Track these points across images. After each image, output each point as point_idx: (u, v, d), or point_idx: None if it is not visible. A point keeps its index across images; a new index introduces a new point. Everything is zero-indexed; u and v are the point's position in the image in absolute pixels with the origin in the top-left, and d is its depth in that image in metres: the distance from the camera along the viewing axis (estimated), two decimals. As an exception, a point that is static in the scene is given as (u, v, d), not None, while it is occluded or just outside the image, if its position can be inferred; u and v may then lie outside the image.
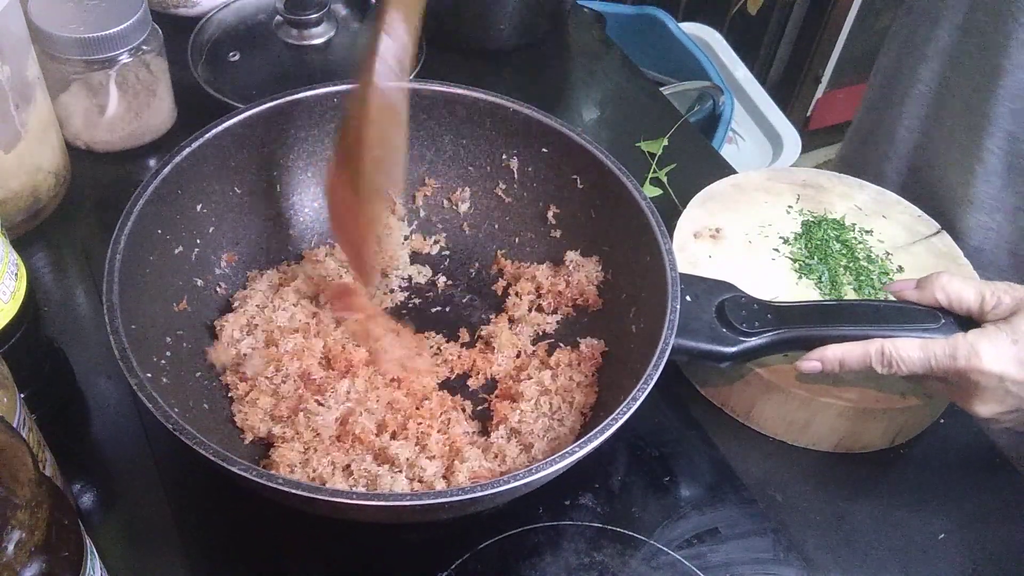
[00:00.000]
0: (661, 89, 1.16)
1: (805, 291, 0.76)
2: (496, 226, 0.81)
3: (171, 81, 0.89)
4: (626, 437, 0.71)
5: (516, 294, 0.77)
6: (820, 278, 0.77)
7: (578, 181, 0.75)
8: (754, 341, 0.67)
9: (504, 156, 0.79)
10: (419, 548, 0.64)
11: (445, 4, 1.02)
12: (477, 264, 0.81)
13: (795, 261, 0.79)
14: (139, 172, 0.88)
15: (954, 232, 0.84)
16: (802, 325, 0.68)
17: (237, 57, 0.94)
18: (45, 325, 0.69)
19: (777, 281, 0.77)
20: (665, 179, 0.92)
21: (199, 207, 0.72)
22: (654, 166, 0.93)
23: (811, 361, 0.66)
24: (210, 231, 0.73)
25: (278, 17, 0.95)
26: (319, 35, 0.95)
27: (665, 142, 0.96)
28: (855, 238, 0.81)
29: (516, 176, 0.79)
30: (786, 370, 0.71)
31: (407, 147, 0.69)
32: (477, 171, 0.80)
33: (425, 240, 0.81)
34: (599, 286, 0.76)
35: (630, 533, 0.66)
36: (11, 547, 0.40)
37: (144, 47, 0.84)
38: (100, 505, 0.66)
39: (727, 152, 1.63)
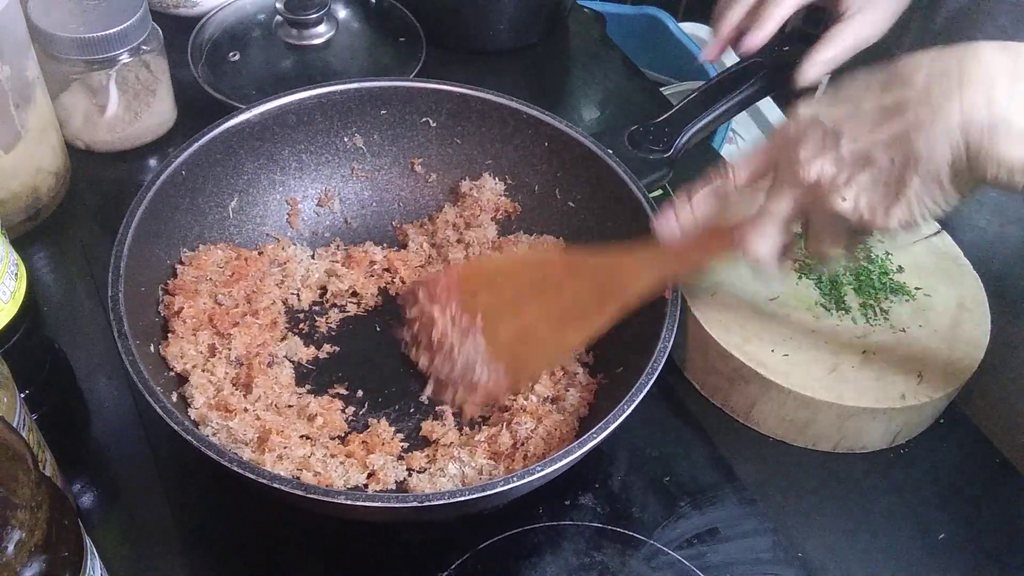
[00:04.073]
0: (661, 89, 1.16)
1: (806, 291, 0.76)
2: None
3: (171, 81, 0.89)
4: (626, 437, 0.71)
5: None
6: (820, 278, 0.77)
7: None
8: (672, 152, 0.79)
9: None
10: (419, 548, 0.64)
11: (445, 4, 1.02)
12: None
13: (795, 261, 0.79)
14: (139, 172, 0.88)
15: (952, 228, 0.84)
16: (695, 119, 0.80)
17: (237, 57, 0.94)
18: (45, 325, 0.69)
19: (777, 281, 0.77)
20: (665, 179, 0.92)
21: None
22: (654, 166, 0.93)
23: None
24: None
25: (278, 17, 0.95)
26: (319, 35, 0.95)
27: (665, 142, 0.96)
28: (855, 238, 0.81)
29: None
30: (786, 370, 0.71)
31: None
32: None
33: None
34: None
35: (630, 533, 0.66)
36: (11, 547, 0.40)
37: (144, 47, 0.84)
38: (100, 505, 0.66)
39: (727, 152, 1.63)
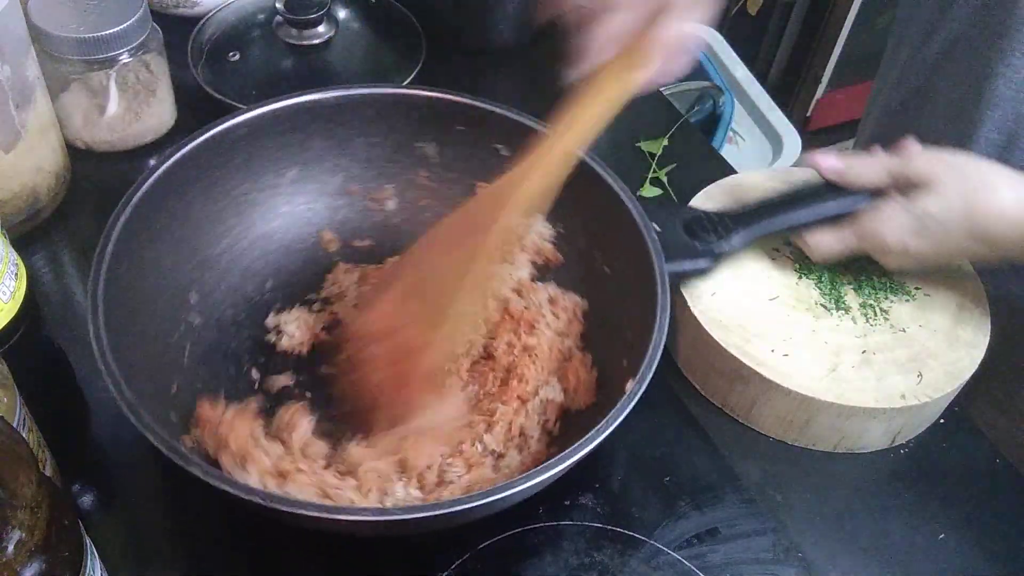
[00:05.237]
0: (661, 89, 1.16)
1: (806, 290, 0.76)
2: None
3: (171, 81, 0.89)
4: (625, 437, 0.71)
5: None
6: (820, 278, 0.77)
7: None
8: (725, 247, 0.74)
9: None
10: (419, 548, 0.64)
11: (445, 4, 1.02)
12: None
13: (795, 261, 0.79)
14: (139, 172, 0.88)
15: None
16: (759, 220, 0.75)
17: (237, 57, 0.94)
18: (45, 325, 0.69)
19: (777, 280, 0.77)
20: (665, 179, 0.92)
21: None
22: (654, 166, 0.93)
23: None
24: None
25: (278, 17, 0.95)
26: (319, 35, 0.95)
27: (665, 142, 0.96)
28: (855, 238, 0.81)
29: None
30: (786, 370, 0.71)
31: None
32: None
33: None
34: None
35: (630, 533, 0.66)
36: (11, 547, 0.40)
37: (144, 47, 0.84)
38: (100, 505, 0.66)
39: (727, 152, 1.63)
